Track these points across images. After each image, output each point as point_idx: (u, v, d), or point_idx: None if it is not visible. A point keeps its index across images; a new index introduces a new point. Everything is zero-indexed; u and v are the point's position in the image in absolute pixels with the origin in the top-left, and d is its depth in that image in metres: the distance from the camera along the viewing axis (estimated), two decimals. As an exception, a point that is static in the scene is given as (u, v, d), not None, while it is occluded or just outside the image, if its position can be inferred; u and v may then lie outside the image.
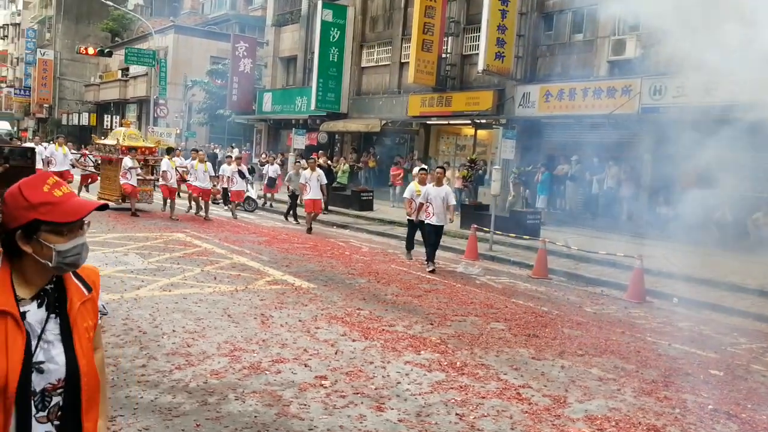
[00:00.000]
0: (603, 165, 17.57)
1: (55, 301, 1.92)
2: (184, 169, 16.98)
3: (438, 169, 11.89)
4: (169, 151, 16.98)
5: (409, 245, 12.35)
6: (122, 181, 15.76)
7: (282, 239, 13.83)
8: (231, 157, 19.32)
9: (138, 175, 15.95)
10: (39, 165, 19.00)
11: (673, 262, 12.26)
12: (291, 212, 17.47)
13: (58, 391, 1.86)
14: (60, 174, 18.02)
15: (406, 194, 12.14)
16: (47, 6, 61.01)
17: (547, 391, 5.58)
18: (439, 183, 11.42)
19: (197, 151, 18.41)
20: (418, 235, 12.15)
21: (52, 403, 1.86)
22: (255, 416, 4.64)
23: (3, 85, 73.23)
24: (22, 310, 1.84)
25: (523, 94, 19.31)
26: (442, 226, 11.45)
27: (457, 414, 4.95)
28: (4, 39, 78.62)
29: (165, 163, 16.22)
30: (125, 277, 8.79)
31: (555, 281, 11.31)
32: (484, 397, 5.33)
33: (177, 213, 16.13)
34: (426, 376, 5.74)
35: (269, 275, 9.78)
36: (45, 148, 20.41)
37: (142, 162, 16.33)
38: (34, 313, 1.86)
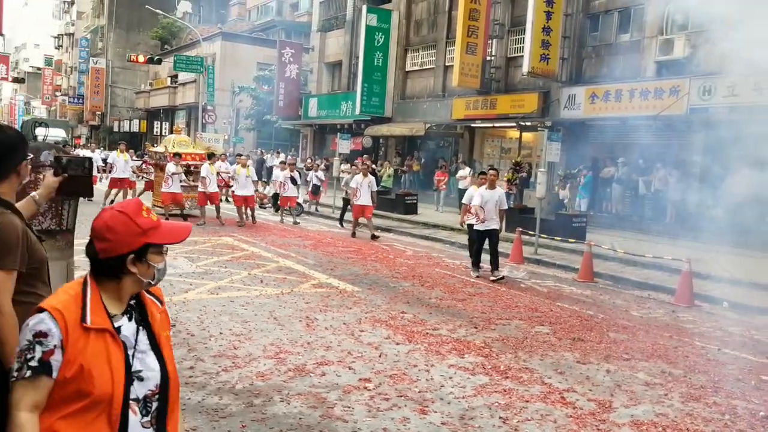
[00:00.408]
0: (650, 167, 17.23)
1: (139, 314, 2.08)
2: (229, 174, 17.07)
3: (492, 171, 11.57)
4: (210, 156, 16.73)
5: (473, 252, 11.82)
6: (163, 188, 15.67)
7: (327, 243, 13.99)
8: (284, 162, 19.38)
9: (182, 181, 16.06)
10: (95, 172, 19.65)
11: (723, 265, 11.96)
12: (343, 217, 17.20)
13: (156, 396, 2.02)
14: (121, 180, 18.57)
15: (465, 200, 11.78)
16: (99, 16, 62.90)
17: (592, 396, 5.54)
18: (492, 186, 11.16)
19: (241, 155, 18.42)
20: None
21: (153, 408, 2.02)
22: (300, 418, 4.72)
23: (58, 93, 75.72)
24: (116, 325, 1.99)
25: (568, 96, 19.10)
26: (496, 230, 11.12)
27: (500, 417, 4.95)
28: (58, 49, 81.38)
29: (205, 169, 16.03)
30: (174, 280, 9.01)
31: (601, 285, 11.15)
32: (528, 401, 5.32)
33: (224, 218, 16.27)
34: (470, 379, 5.76)
35: (314, 278, 9.92)
36: (104, 155, 20.92)
37: (185, 168, 16.30)
38: (127, 327, 2.02)
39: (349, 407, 4.96)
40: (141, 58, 36.81)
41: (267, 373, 5.57)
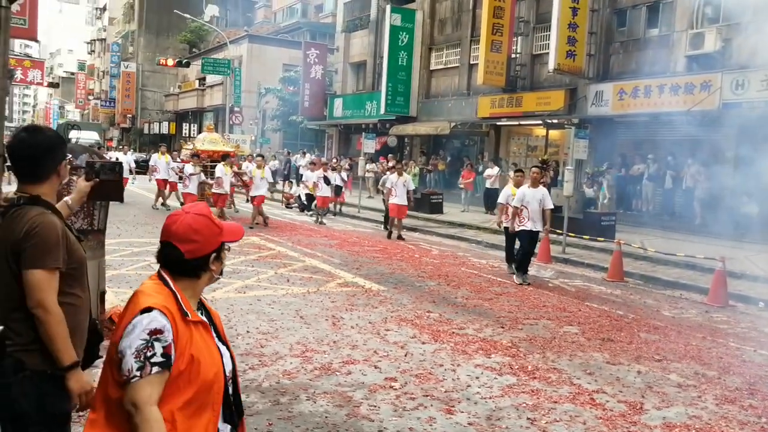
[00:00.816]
0: (680, 164, 16.92)
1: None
2: (248, 176, 16.79)
3: (534, 169, 10.77)
4: (224, 157, 16.39)
5: (511, 257, 11.11)
6: (182, 189, 15.65)
7: (352, 242, 13.99)
8: (314, 163, 19.20)
9: (203, 181, 16.04)
10: (125, 174, 19.81)
11: (758, 264, 11.68)
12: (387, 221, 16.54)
13: (230, 380, 2.21)
14: (165, 182, 18.71)
15: (501, 199, 11.09)
16: (130, 21, 63.97)
17: (623, 397, 5.43)
18: (535, 184, 10.38)
19: (262, 156, 17.97)
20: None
21: (230, 392, 2.20)
22: (326, 416, 4.71)
23: (90, 97, 77.14)
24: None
25: (595, 93, 18.85)
26: (538, 232, 10.38)
27: (528, 418, 4.88)
28: (91, 54, 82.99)
29: (219, 169, 15.66)
30: (202, 279, 9.06)
31: (631, 284, 10.97)
32: (556, 402, 5.23)
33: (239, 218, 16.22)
34: (497, 379, 5.69)
35: (340, 277, 9.92)
36: (135, 157, 21.00)
37: (202, 169, 16.18)
38: (204, 320, 2.19)
39: (375, 406, 4.93)
40: (170, 62, 37.31)
41: (293, 372, 5.56)
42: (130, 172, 20.73)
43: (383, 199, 16.94)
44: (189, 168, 15.83)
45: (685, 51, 16.62)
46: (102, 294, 6.26)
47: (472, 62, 24.20)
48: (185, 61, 39.21)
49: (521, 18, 22.16)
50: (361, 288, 9.21)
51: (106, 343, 5.79)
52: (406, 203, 15.00)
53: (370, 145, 21.55)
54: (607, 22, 19.21)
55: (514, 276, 10.42)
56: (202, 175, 16.10)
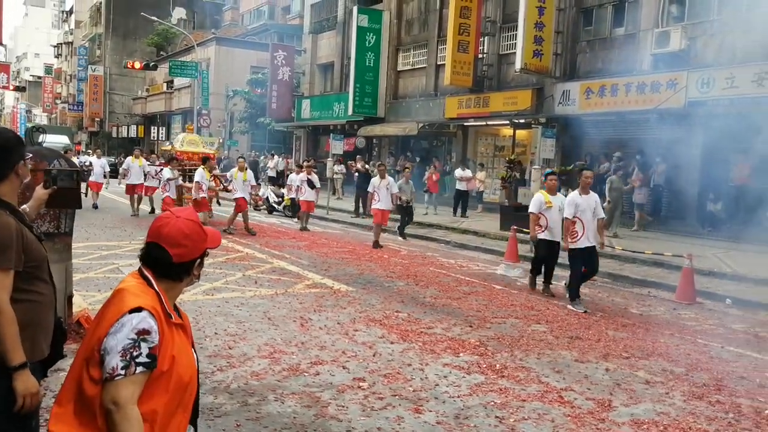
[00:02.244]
0: (648, 162, 17.12)
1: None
2: (228, 180, 15.99)
3: (587, 172, 9.13)
4: (205, 160, 15.50)
5: (539, 270, 9.86)
6: (163, 194, 15.26)
7: (321, 244, 13.87)
8: (301, 166, 18.67)
9: (180, 185, 15.56)
10: (100, 179, 19.41)
11: (725, 261, 11.85)
12: (404, 228, 16.06)
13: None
14: (134, 187, 17.99)
15: (533, 208, 9.50)
16: (97, 24, 63.01)
17: (591, 395, 5.41)
18: (585, 190, 9.01)
19: (243, 158, 17.22)
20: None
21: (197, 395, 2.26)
22: (294, 417, 4.63)
23: (58, 101, 75.80)
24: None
25: (562, 92, 18.99)
26: (596, 247, 8.98)
27: (496, 417, 4.83)
28: (58, 57, 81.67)
29: (199, 174, 14.82)
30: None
31: (599, 282, 11.02)
32: (524, 400, 5.19)
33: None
34: (465, 378, 5.63)
35: (308, 279, 9.80)
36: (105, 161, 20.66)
37: (180, 174, 15.75)
38: (183, 323, 2.24)
39: (344, 406, 4.86)
40: (137, 65, 36.86)
41: (261, 373, 5.48)
42: (104, 176, 20.22)
43: (398, 204, 15.20)
44: (167, 172, 15.40)
45: (651, 50, 16.80)
46: (69, 297, 6.11)
47: (439, 63, 24.21)
48: (153, 63, 38.71)
49: (488, 18, 22.26)
50: (330, 289, 9.11)
51: (73, 346, 5.60)
52: (390, 208, 14.28)
53: (338, 146, 21.41)
54: (573, 22, 19.37)
55: (546, 288, 9.50)
56: (181, 179, 15.57)
